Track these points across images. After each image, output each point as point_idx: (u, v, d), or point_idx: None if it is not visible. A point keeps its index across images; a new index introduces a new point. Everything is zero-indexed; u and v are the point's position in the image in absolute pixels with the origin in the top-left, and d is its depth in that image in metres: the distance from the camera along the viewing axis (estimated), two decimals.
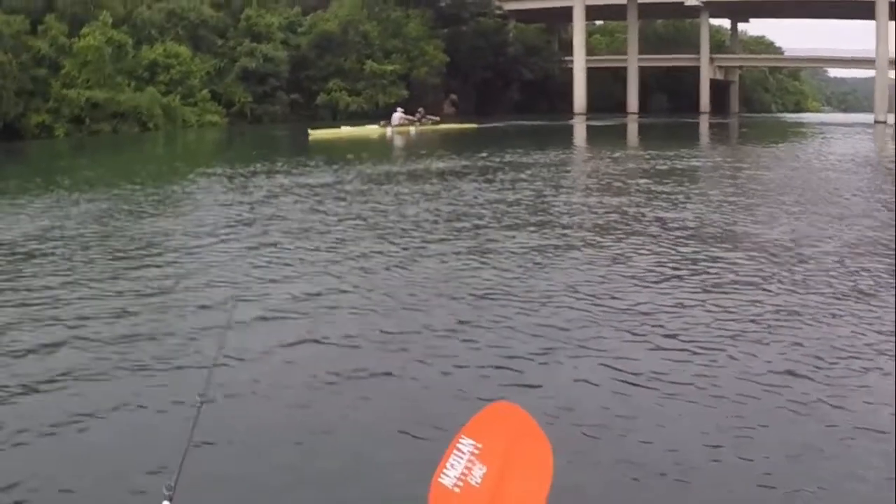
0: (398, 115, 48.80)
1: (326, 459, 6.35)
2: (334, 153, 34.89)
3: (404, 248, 14.16)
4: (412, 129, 48.36)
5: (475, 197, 20.25)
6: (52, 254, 14.73)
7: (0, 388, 7.93)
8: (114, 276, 12.72)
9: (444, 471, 3.91)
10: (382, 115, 51.76)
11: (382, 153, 37.30)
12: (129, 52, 57.30)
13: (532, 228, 15.83)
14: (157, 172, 30.26)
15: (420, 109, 51.64)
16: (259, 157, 33.16)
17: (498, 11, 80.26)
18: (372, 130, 47.12)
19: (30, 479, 6.18)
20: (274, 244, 14.98)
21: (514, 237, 14.87)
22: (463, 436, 4.02)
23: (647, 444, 6.43)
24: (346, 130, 46.42)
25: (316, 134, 43.91)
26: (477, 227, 16.13)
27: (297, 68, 65.65)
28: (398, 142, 44.10)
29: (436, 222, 16.73)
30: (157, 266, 13.40)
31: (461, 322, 9.69)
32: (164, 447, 6.15)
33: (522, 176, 24.74)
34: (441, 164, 29.14)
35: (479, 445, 3.98)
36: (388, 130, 47.55)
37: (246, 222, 17.48)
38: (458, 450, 3.96)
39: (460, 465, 3.92)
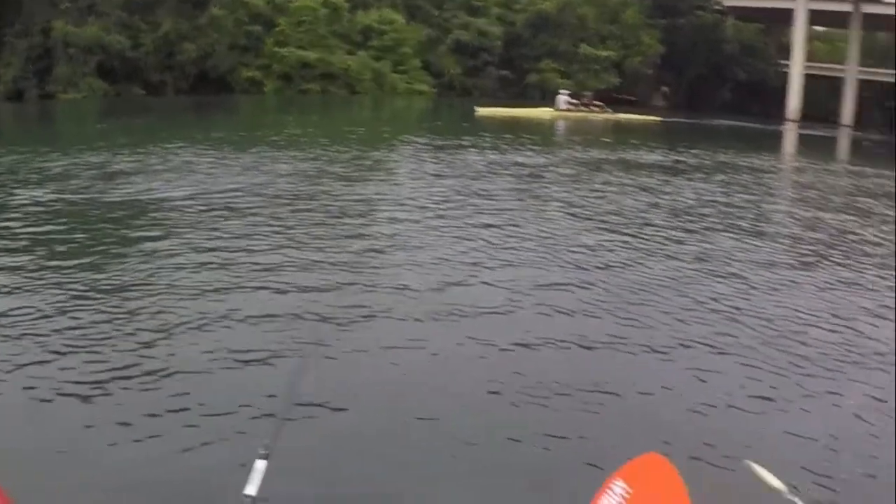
0: (564, 99, 46.53)
1: (451, 459, 6.37)
2: (529, 134, 34.31)
3: (602, 245, 13.76)
4: (611, 116, 46.26)
5: (674, 196, 19.73)
6: (253, 211, 14.80)
7: (144, 328, 8.63)
8: (302, 238, 13.00)
9: None
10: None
11: (566, 139, 36.43)
12: (344, 15, 57.62)
13: (739, 239, 15.06)
14: (363, 137, 30.20)
15: (587, 94, 49.96)
16: (459, 131, 32.57)
17: (717, 7, 77.99)
18: (543, 112, 45.20)
19: (137, 429, 6.46)
20: (473, 223, 14.78)
21: (720, 246, 14.25)
22: (617, 479, 4.09)
23: None
24: (514, 111, 44.42)
25: (483, 111, 42.49)
26: (675, 229, 15.59)
27: (510, 45, 65.10)
28: (568, 127, 42.25)
29: (636, 220, 16.23)
30: (344, 233, 13.64)
31: (654, 343, 9.10)
32: (265, 406, 6.71)
33: (728, 179, 24.00)
34: (641, 158, 28.36)
35: (630, 491, 4.00)
36: (584, 113, 45.93)
37: (446, 198, 17.40)
38: (611, 490, 4.02)
39: None
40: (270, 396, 6.79)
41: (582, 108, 46.38)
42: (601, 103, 47.77)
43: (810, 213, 18.38)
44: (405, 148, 27.03)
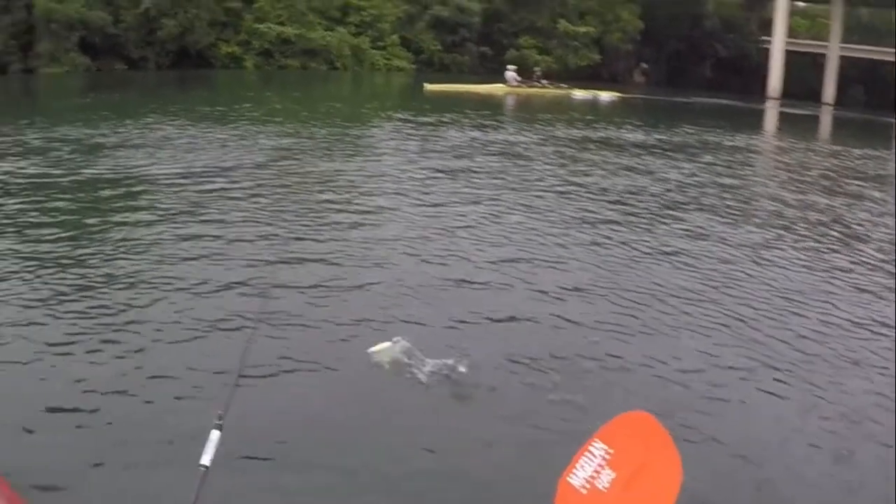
0: (511, 76, 45.82)
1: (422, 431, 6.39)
2: (502, 110, 34.94)
3: (589, 223, 13.82)
4: (565, 91, 45.59)
5: (657, 176, 19.53)
6: (233, 185, 14.81)
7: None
8: (278, 213, 13.13)
9: (574, 471, 3.98)
10: (571, 77, 49.99)
11: (545, 117, 35.36)
12: None
13: (726, 220, 15.03)
14: (343, 113, 30.10)
15: (536, 70, 49.49)
16: (438, 107, 32.34)
17: None
18: (495, 88, 44.43)
19: (91, 399, 6.55)
20: (458, 200, 14.82)
21: (706, 226, 14.27)
22: (596, 440, 4.06)
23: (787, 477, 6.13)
24: (464, 86, 43.77)
25: (431, 87, 41.68)
26: (660, 208, 15.61)
27: (489, 21, 64.67)
28: (516, 102, 41.75)
29: (622, 200, 16.18)
30: (321, 209, 13.61)
31: (624, 316, 9.26)
32: (221, 375, 6.62)
33: (713, 159, 23.71)
34: (623, 137, 27.99)
35: (611, 451, 4.00)
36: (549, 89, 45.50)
37: (428, 175, 17.26)
38: (590, 452, 4.01)
39: (590, 467, 3.97)
40: (225, 366, 6.71)
41: (535, 84, 45.96)
42: (547, 80, 47.28)
43: (798, 195, 18.24)
44: (386, 124, 26.99)
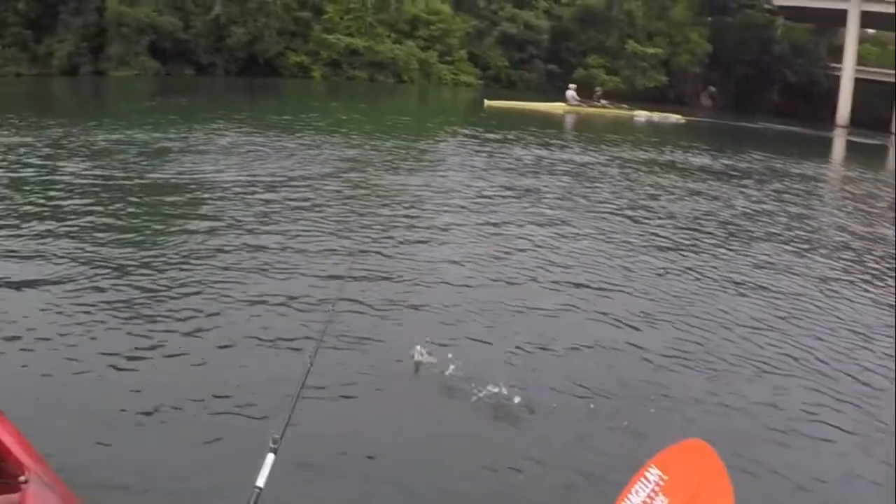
0: (571, 95, 45.45)
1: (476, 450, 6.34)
2: (587, 130, 33.94)
3: (652, 248, 13.67)
4: (626, 112, 45.31)
5: (722, 202, 19.32)
6: (296, 196, 14.92)
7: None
8: (341, 225, 13.12)
9: (629, 496, 4.00)
10: (638, 98, 49.74)
11: (610, 138, 35.09)
12: (392, 4, 57.59)
13: (792, 251, 14.78)
14: (410, 126, 30.18)
15: (597, 90, 49.03)
16: (504, 124, 32.26)
17: (767, 6, 76.82)
18: (555, 107, 44.08)
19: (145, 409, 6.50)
20: (520, 220, 14.69)
21: (771, 257, 14.00)
22: (652, 466, 4.05)
23: None
24: (525, 104, 43.53)
25: (492, 104, 41.46)
26: (724, 236, 15.41)
27: (557, 39, 64.82)
28: (578, 122, 41.33)
29: (686, 226, 16.01)
30: (384, 223, 13.67)
31: (685, 342, 9.18)
32: (275, 399, 6.26)
33: (780, 187, 23.44)
34: (689, 161, 27.70)
35: (666, 478, 3.98)
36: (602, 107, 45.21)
37: (493, 192, 17.25)
38: (645, 478, 4.01)
39: (644, 492, 3.96)
40: (286, 380, 6.42)
41: (595, 103, 45.63)
42: (607, 100, 46.89)
43: (867, 227, 17.96)
44: (451, 139, 27.06)
